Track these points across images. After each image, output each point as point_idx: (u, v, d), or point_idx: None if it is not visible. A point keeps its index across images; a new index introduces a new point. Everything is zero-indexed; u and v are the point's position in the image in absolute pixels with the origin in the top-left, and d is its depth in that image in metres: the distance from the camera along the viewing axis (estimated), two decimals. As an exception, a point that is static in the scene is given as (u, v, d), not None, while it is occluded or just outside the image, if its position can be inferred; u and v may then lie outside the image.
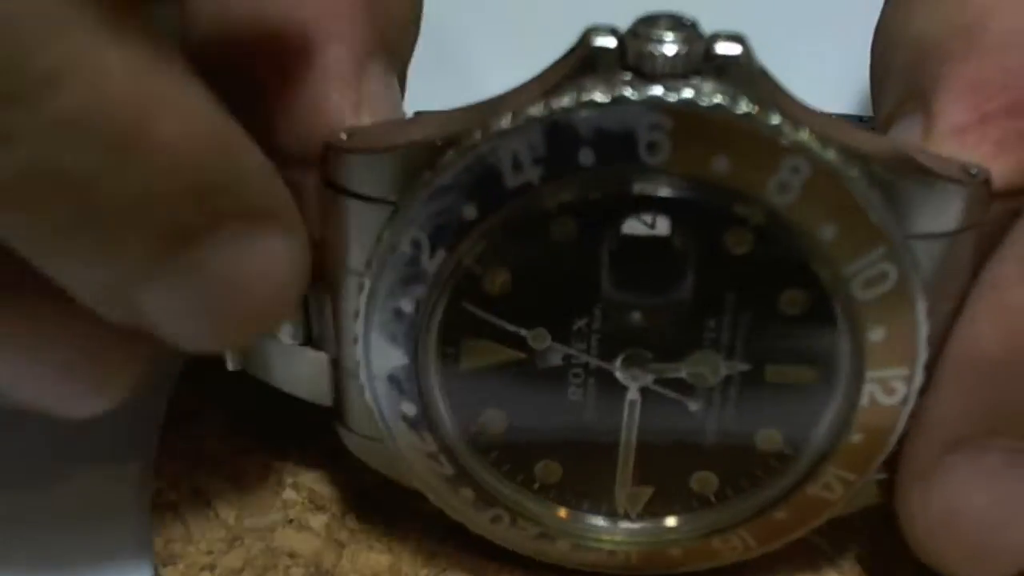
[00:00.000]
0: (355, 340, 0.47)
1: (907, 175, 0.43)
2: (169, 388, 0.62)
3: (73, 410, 0.49)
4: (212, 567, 0.52)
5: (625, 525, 0.51)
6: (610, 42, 0.41)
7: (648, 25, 0.41)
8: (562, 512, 0.51)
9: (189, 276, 0.42)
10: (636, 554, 0.50)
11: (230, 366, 0.55)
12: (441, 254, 0.44)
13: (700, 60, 0.41)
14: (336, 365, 0.52)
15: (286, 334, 0.53)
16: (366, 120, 0.49)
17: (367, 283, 0.46)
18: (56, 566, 0.54)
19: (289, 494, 0.56)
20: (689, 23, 0.41)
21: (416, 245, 0.44)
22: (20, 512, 0.56)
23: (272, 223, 0.44)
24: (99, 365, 0.48)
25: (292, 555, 0.53)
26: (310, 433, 0.58)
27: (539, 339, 0.47)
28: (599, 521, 0.51)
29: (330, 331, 0.51)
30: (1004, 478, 0.47)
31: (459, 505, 0.50)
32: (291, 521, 0.54)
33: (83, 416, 0.49)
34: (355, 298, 0.47)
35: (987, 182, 0.45)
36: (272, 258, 0.44)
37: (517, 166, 0.42)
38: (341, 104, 0.49)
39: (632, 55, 0.41)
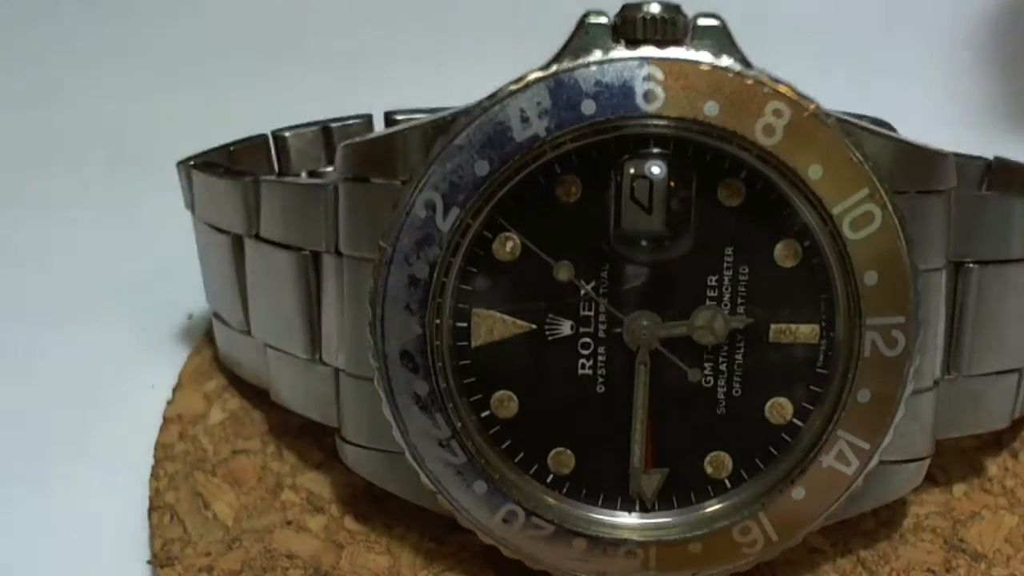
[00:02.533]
0: (369, 322, 0.48)
1: (878, 135, 0.47)
2: (169, 389, 0.62)
3: None
4: (210, 569, 0.52)
5: (641, 518, 0.50)
6: (603, 19, 0.46)
7: (636, 4, 0.46)
8: (577, 506, 0.50)
9: None
10: (655, 553, 0.50)
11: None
12: (455, 212, 0.47)
13: (684, 30, 0.46)
14: (338, 376, 0.52)
15: (299, 347, 0.54)
16: None
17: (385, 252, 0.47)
18: (53, 568, 0.54)
19: (288, 495, 0.56)
20: (673, 5, 0.46)
21: (431, 207, 0.47)
22: (16, 512, 0.56)
23: None
24: None
25: (291, 556, 0.52)
26: (310, 434, 0.58)
27: (549, 302, 0.48)
28: (615, 514, 0.50)
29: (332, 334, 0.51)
30: None
31: (470, 504, 0.49)
32: (290, 522, 0.54)
33: None
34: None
35: (951, 158, 0.48)
36: None
37: (525, 120, 0.46)
38: None
39: (623, 25, 0.46)
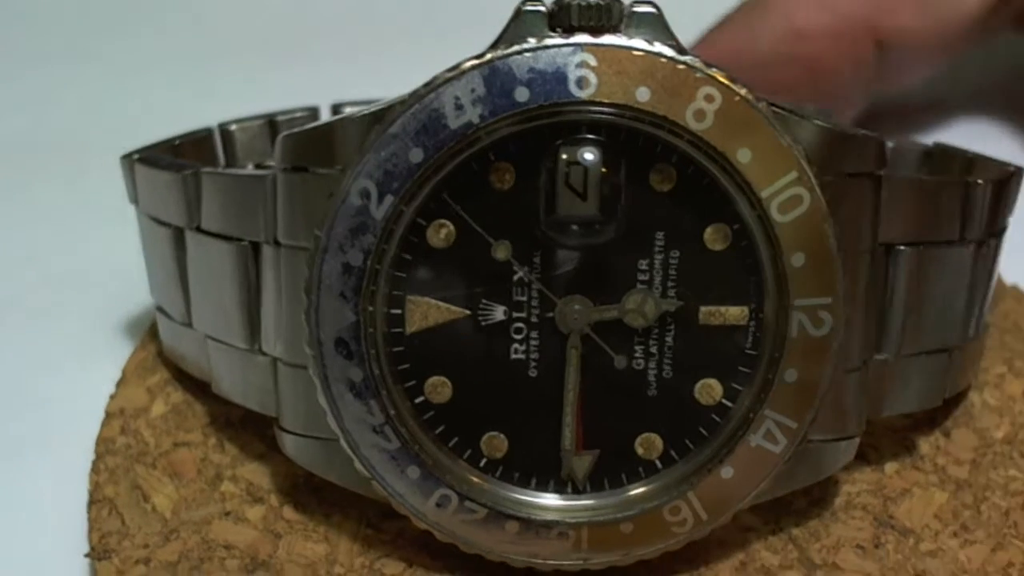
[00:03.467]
0: (304, 310, 0.48)
1: (807, 117, 0.48)
2: (112, 384, 0.62)
3: None
4: (147, 560, 0.52)
5: (572, 500, 0.51)
6: (539, 7, 0.47)
7: None
8: (510, 489, 0.51)
9: None
10: (587, 534, 0.50)
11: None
12: (389, 200, 0.47)
13: (619, 17, 0.46)
14: (276, 365, 0.53)
15: (238, 338, 0.54)
16: None
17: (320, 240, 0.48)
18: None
19: (228, 487, 0.56)
20: None
21: (365, 195, 0.47)
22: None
23: None
24: None
25: (228, 547, 0.53)
26: (252, 426, 0.59)
27: (483, 288, 0.49)
28: (546, 496, 0.51)
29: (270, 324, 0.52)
30: None
31: (404, 489, 0.50)
32: (228, 513, 0.54)
33: None
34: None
35: (881, 143, 0.49)
36: None
37: (459, 107, 0.46)
38: None
39: (559, 13, 0.46)
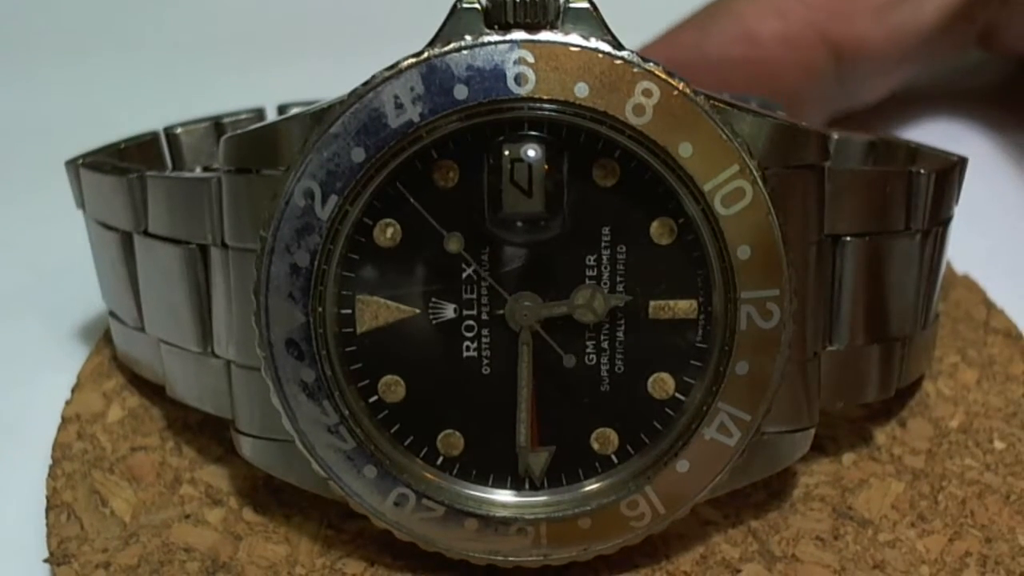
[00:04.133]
0: (254, 312, 0.48)
1: (747, 111, 0.48)
2: (65, 389, 0.62)
3: None
4: (107, 565, 0.52)
5: (530, 496, 0.51)
6: (475, 5, 0.47)
7: None
8: (467, 486, 0.51)
9: None
10: (546, 530, 0.50)
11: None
12: (333, 200, 0.47)
13: (555, 13, 0.47)
14: (229, 368, 0.53)
15: (190, 341, 0.54)
16: None
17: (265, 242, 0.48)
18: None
19: (187, 490, 0.56)
20: None
21: (309, 195, 0.47)
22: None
23: None
24: None
25: (188, 549, 0.53)
26: (209, 430, 0.58)
27: (432, 288, 0.49)
28: (504, 493, 0.51)
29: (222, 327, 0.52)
30: None
31: (362, 489, 0.50)
32: (188, 516, 0.54)
33: None
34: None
35: (823, 135, 0.50)
36: None
37: (399, 106, 0.47)
38: None
39: (494, 10, 0.47)
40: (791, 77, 0.76)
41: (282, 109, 0.69)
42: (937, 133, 0.82)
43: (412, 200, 0.48)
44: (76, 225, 0.62)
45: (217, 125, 0.67)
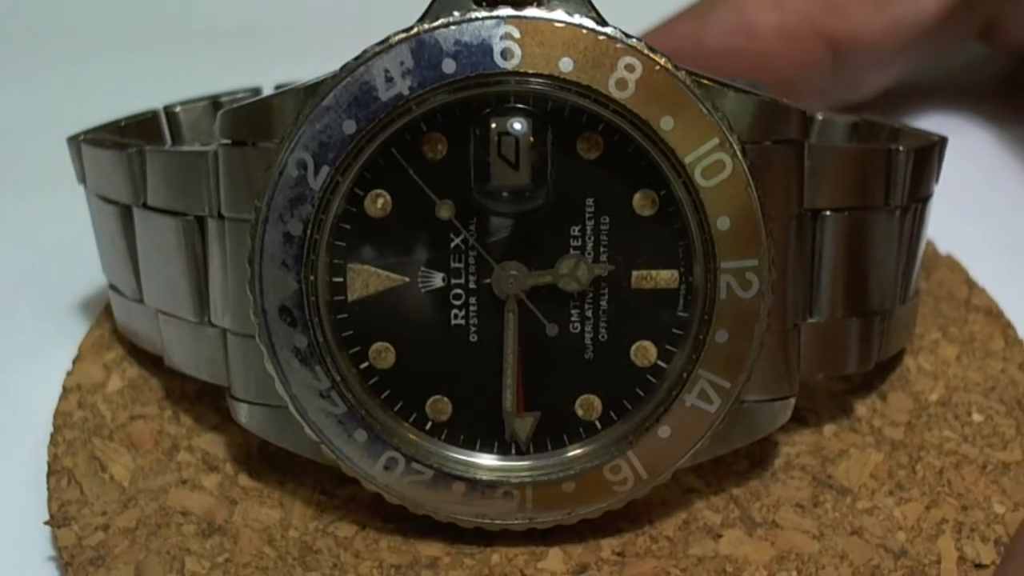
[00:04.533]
0: (248, 280, 0.50)
1: (728, 87, 0.50)
2: (66, 361, 0.63)
3: None
4: (106, 527, 0.53)
5: (516, 460, 0.52)
6: None
7: None
8: (455, 450, 0.52)
9: None
10: (531, 494, 0.52)
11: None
12: (325, 171, 0.49)
13: None
14: (225, 336, 0.54)
15: (187, 311, 0.55)
16: None
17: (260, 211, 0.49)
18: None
19: (184, 456, 0.57)
20: None
21: (302, 166, 0.49)
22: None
23: None
24: None
25: (185, 513, 0.54)
26: (206, 399, 0.60)
27: (421, 257, 0.51)
28: (491, 457, 0.52)
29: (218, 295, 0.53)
30: None
31: (353, 453, 0.51)
32: (185, 481, 0.56)
33: None
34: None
35: (802, 112, 0.51)
36: None
37: (389, 79, 0.48)
38: None
39: None
40: (788, 69, 0.77)
41: (279, 88, 0.70)
42: (937, 126, 0.83)
43: (404, 168, 0.50)
44: (78, 203, 0.64)
45: (215, 103, 0.68)
